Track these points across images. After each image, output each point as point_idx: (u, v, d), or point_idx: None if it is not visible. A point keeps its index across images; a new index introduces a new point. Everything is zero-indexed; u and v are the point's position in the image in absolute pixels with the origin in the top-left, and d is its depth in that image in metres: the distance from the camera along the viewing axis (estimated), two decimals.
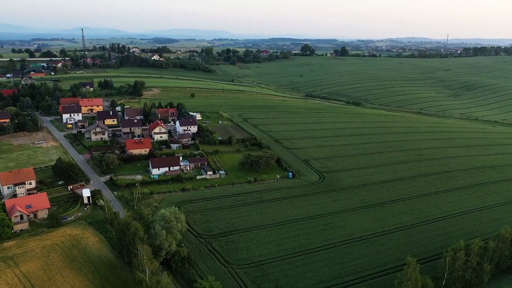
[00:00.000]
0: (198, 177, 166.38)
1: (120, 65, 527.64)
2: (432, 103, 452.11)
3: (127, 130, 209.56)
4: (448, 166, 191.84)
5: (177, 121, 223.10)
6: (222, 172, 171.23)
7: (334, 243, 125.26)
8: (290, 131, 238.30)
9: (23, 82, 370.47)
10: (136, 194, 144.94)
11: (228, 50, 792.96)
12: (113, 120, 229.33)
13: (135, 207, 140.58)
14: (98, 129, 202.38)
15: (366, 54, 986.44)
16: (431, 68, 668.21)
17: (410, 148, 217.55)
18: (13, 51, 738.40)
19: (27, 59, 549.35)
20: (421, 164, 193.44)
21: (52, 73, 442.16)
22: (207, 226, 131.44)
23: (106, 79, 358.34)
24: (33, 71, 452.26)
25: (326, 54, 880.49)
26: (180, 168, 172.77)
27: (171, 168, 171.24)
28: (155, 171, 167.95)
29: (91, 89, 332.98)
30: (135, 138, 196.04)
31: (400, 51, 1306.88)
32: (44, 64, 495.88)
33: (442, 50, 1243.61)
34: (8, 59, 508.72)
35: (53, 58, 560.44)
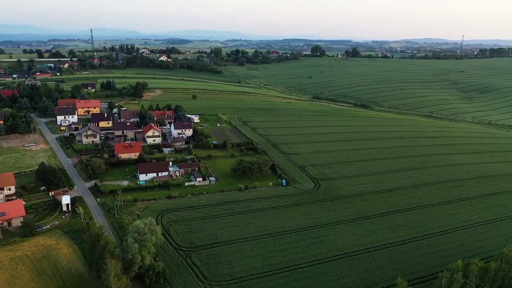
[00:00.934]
0: (186, 184, 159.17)
1: (127, 66, 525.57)
2: (443, 106, 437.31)
3: (119, 133, 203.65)
4: (453, 174, 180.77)
5: (172, 124, 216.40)
6: (212, 178, 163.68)
7: (323, 258, 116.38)
8: (290, 135, 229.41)
9: (26, 83, 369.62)
10: (118, 202, 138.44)
11: (237, 51, 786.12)
12: (108, 123, 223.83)
13: (116, 215, 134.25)
14: (89, 132, 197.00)
15: (379, 55, 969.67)
16: (444, 69, 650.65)
17: (415, 154, 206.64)
18: (25, 51, 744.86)
19: (35, 59, 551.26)
20: (425, 171, 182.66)
21: (58, 74, 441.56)
22: (189, 237, 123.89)
23: (108, 80, 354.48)
24: (40, 71, 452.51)
25: (337, 55, 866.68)
26: (169, 173, 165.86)
27: (160, 174, 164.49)
28: (143, 177, 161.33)
29: (93, 90, 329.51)
30: (125, 142, 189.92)
31: (414, 52, 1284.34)
32: (52, 65, 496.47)
33: (458, 52, 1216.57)
34: (16, 60, 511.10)
35: (61, 59, 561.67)
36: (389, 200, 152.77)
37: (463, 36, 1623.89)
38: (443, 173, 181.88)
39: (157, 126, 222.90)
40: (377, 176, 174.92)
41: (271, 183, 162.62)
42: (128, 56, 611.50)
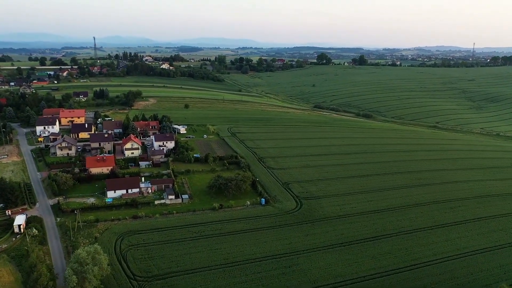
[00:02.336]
0: (156, 202, 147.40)
1: (127, 74, 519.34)
2: (450, 116, 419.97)
3: (96, 145, 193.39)
4: (450, 193, 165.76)
5: (153, 135, 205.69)
6: (186, 196, 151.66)
7: None
8: (279, 148, 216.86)
9: (21, 91, 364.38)
10: (76, 223, 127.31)
11: (241, 59, 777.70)
12: (89, 134, 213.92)
13: (72, 238, 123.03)
14: (63, 144, 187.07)
15: (389, 62, 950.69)
16: (454, 78, 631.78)
17: (411, 170, 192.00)
18: (30, 59, 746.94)
19: (37, 67, 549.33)
20: (419, 190, 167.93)
21: (55, 82, 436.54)
22: (147, 264, 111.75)
23: (102, 88, 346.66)
24: (38, 79, 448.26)
25: (344, 63, 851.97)
26: (140, 190, 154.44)
27: (130, 191, 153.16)
28: (111, 194, 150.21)
29: (84, 98, 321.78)
30: (100, 155, 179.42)
31: (425, 60, 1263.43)
32: (51, 73, 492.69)
33: (470, 59, 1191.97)
34: (16, 67, 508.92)
35: (62, 67, 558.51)
36: (376, 223, 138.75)
37: (474, 43, 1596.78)
38: (439, 192, 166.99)
39: (140, 138, 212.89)
40: (366, 195, 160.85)
41: (248, 202, 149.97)
42: (130, 63, 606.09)
